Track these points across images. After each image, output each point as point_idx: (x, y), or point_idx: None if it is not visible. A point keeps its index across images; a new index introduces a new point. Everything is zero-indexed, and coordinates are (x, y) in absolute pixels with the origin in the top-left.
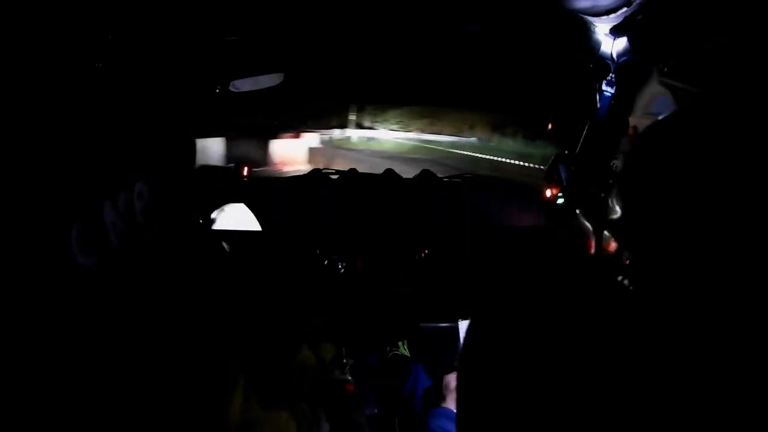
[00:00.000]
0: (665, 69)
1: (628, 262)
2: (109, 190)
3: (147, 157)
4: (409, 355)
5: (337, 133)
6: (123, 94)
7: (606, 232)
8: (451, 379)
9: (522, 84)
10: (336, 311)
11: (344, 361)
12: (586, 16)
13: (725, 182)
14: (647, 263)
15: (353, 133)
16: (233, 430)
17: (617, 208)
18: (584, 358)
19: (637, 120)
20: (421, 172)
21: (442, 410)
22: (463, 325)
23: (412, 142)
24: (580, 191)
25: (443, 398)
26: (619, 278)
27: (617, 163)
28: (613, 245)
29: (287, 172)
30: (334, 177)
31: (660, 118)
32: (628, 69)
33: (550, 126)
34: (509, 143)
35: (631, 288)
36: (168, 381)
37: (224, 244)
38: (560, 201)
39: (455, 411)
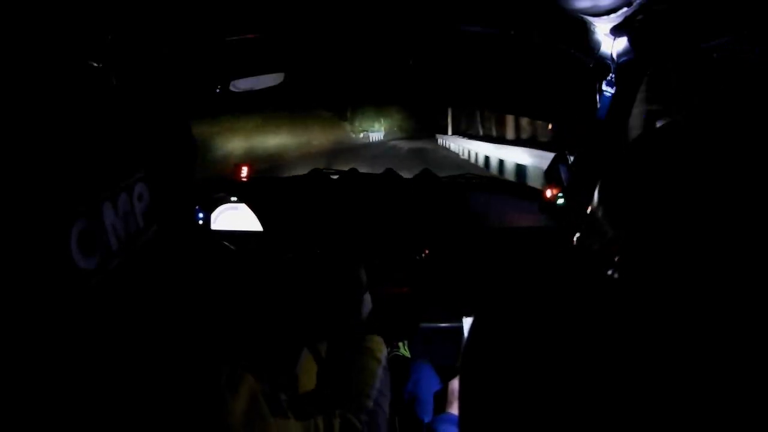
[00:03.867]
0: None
1: (617, 258)
2: (109, 191)
3: (147, 158)
4: (409, 355)
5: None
6: (123, 94)
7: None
8: (457, 384)
9: (522, 84)
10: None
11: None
12: (586, 16)
13: (717, 181)
14: (639, 260)
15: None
16: (236, 427)
17: (602, 209)
18: (587, 360)
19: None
20: (421, 171)
21: (448, 416)
22: (467, 323)
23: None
24: (580, 191)
25: (449, 403)
26: (615, 276)
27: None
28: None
29: (287, 172)
30: (334, 177)
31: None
32: (628, 69)
33: (550, 126)
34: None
35: (624, 285)
36: (168, 382)
37: (225, 243)
38: (560, 201)
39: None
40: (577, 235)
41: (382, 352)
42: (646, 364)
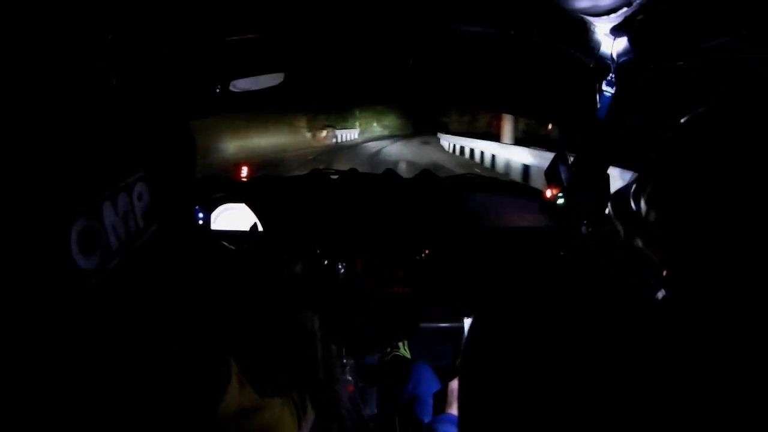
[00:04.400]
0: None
1: (664, 271)
2: (109, 191)
3: (147, 158)
4: (409, 355)
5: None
6: (123, 94)
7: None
8: (457, 384)
9: (522, 84)
10: (336, 312)
11: (344, 361)
12: (586, 16)
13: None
14: (685, 271)
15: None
16: (231, 419)
17: (651, 213)
18: (587, 361)
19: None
20: (421, 172)
21: (447, 416)
22: (468, 323)
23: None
24: (580, 192)
25: (449, 403)
26: (630, 280)
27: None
28: (633, 251)
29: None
30: (334, 177)
31: (697, 115)
32: (628, 69)
33: (550, 126)
34: None
35: (646, 292)
36: (165, 380)
37: (225, 243)
38: (560, 201)
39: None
40: (592, 235)
41: (315, 322)
42: (659, 371)
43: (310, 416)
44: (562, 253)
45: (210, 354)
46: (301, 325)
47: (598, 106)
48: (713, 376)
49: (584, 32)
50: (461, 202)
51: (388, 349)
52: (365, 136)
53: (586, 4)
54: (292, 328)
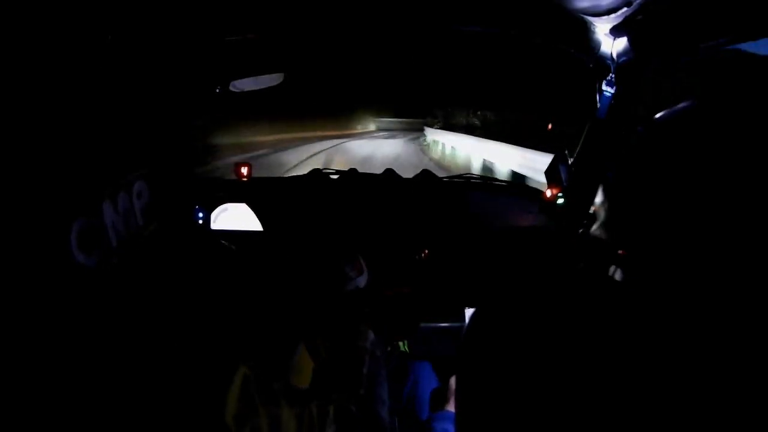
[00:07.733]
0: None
1: (623, 259)
2: (109, 190)
3: (147, 157)
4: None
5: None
6: (123, 94)
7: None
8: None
9: (522, 84)
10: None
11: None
12: (586, 16)
13: (723, 179)
14: (644, 261)
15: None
16: (231, 422)
17: (609, 207)
18: (584, 358)
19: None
20: (421, 172)
21: (445, 413)
22: (468, 314)
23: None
24: (580, 191)
25: (447, 401)
26: (616, 276)
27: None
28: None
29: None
30: (334, 177)
31: (658, 115)
32: (628, 69)
33: (550, 126)
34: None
35: (626, 285)
36: (165, 378)
37: (225, 243)
38: (560, 201)
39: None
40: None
41: (368, 339)
42: (644, 360)
43: (329, 430)
44: (562, 254)
45: (212, 354)
46: (351, 338)
47: (598, 106)
48: (692, 369)
49: (584, 32)
50: (461, 202)
51: (389, 348)
52: (366, 130)
53: (586, 4)
54: (339, 339)
